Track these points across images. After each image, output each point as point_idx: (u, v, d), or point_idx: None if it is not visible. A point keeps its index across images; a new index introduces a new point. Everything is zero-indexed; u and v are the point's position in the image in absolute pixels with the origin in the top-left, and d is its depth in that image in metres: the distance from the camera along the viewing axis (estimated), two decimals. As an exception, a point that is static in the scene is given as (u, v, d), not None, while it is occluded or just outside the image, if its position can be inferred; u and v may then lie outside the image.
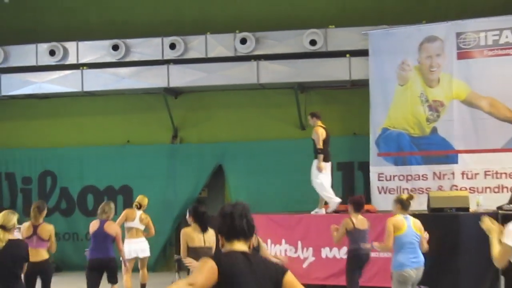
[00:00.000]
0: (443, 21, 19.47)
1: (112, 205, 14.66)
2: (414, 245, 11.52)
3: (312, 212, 17.44)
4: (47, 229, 12.76)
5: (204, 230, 11.56)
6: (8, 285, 9.99)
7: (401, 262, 11.46)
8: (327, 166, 17.39)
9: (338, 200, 17.40)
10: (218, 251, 5.96)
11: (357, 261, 13.87)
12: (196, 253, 11.32)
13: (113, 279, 14.31)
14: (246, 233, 5.67)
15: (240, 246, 5.64)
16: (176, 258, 19.19)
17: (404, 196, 11.99)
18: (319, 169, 17.13)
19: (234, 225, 5.66)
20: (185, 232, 11.68)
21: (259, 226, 16.92)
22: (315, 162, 17.25)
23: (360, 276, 13.97)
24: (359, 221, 13.89)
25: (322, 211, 17.40)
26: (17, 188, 24.31)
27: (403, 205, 11.73)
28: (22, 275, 10.51)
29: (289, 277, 5.67)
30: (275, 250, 17.17)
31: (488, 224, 8.07)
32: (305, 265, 16.72)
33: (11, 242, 10.04)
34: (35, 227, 12.75)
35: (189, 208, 12.22)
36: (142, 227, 16.85)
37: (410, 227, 11.54)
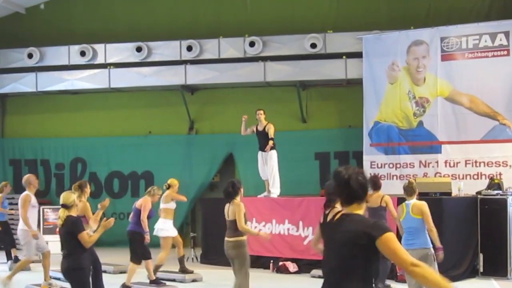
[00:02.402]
0: (429, 27, 19.37)
1: (158, 190, 14.61)
2: (411, 229, 11.01)
3: (261, 196, 17.43)
4: (81, 207, 12.30)
5: (227, 201, 11.64)
6: (64, 259, 9.70)
7: (402, 243, 11.16)
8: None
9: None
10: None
11: None
12: (226, 225, 11.57)
13: (133, 256, 14.00)
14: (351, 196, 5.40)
15: (345, 207, 5.45)
16: (191, 236, 19.15)
17: (407, 182, 11.68)
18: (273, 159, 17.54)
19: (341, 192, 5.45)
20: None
21: (264, 208, 16.87)
22: (274, 152, 17.58)
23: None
24: (371, 199, 13.54)
25: (272, 193, 17.47)
26: (51, 173, 24.28)
27: (404, 191, 11.48)
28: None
29: (384, 239, 5.14)
30: (279, 230, 17.10)
31: None
32: (305, 242, 16.58)
33: (67, 219, 9.67)
34: None
35: None
36: (168, 206, 15.89)
37: (409, 213, 11.16)
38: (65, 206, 9.73)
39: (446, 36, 18.90)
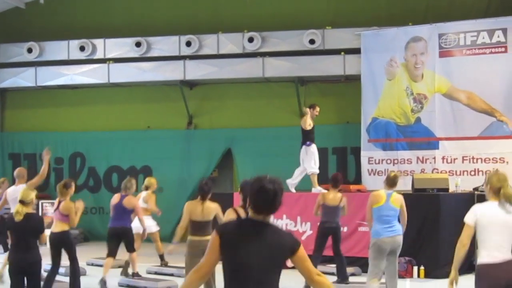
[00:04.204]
0: (427, 24, 19.38)
1: (133, 181, 14.63)
2: (389, 217, 11.31)
3: (316, 191, 17.20)
4: (66, 206, 12.51)
5: (202, 199, 11.33)
6: (25, 253, 9.93)
7: (377, 231, 11.32)
8: None
9: None
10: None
11: (322, 233, 13.82)
12: (194, 226, 11.23)
13: (130, 248, 14.39)
14: (273, 211, 5.37)
15: (260, 217, 5.34)
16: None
17: (392, 173, 11.85)
18: None
19: (264, 202, 5.33)
20: (187, 204, 11.44)
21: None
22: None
23: (338, 246, 13.87)
24: (332, 197, 13.76)
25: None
26: (50, 168, 24.19)
27: (387, 181, 11.63)
28: (43, 245, 10.42)
29: (301, 251, 5.38)
30: (277, 225, 17.07)
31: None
32: (303, 237, 16.58)
33: (27, 215, 9.95)
34: (59, 202, 12.64)
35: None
36: (147, 206, 16.47)
37: (388, 201, 11.36)
38: (23, 202, 10.00)
39: (444, 33, 18.93)
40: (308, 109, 17.10)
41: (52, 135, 24.22)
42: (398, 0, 21.38)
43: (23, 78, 23.39)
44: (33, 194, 10.16)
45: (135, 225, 15.32)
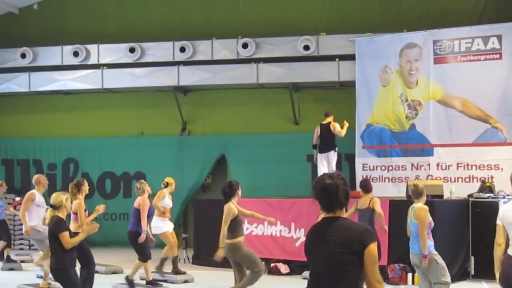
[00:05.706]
0: (422, 30, 19.38)
1: (143, 182, 14.81)
2: (413, 233, 10.90)
3: None
4: (75, 204, 12.46)
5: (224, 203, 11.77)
6: (51, 260, 9.74)
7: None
8: None
9: None
10: None
11: None
12: None
13: (138, 255, 14.14)
14: (338, 204, 5.36)
15: (330, 213, 5.39)
16: (183, 237, 19.12)
17: (412, 186, 11.50)
18: None
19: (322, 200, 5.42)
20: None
21: (256, 209, 16.89)
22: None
23: None
24: (361, 201, 13.66)
25: None
26: (43, 174, 24.14)
27: (411, 194, 11.33)
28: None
29: (368, 251, 5.18)
30: (271, 231, 17.09)
31: None
32: (297, 244, 16.56)
33: (51, 219, 9.69)
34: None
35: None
36: (161, 204, 16.16)
37: (411, 217, 10.97)
38: (53, 207, 9.77)
39: (438, 39, 18.93)
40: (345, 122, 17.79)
41: (45, 141, 24.17)
42: (392, 6, 21.40)
43: (16, 84, 23.31)
44: (62, 197, 9.82)
45: (154, 225, 15.34)
